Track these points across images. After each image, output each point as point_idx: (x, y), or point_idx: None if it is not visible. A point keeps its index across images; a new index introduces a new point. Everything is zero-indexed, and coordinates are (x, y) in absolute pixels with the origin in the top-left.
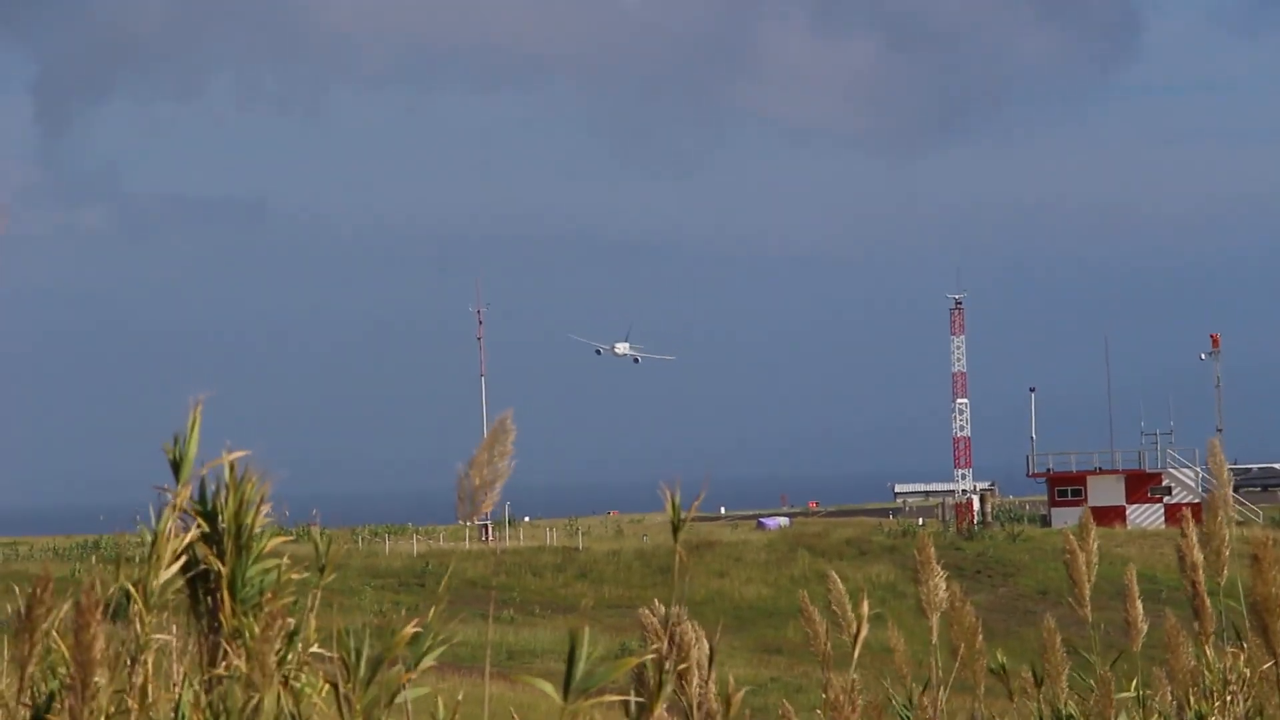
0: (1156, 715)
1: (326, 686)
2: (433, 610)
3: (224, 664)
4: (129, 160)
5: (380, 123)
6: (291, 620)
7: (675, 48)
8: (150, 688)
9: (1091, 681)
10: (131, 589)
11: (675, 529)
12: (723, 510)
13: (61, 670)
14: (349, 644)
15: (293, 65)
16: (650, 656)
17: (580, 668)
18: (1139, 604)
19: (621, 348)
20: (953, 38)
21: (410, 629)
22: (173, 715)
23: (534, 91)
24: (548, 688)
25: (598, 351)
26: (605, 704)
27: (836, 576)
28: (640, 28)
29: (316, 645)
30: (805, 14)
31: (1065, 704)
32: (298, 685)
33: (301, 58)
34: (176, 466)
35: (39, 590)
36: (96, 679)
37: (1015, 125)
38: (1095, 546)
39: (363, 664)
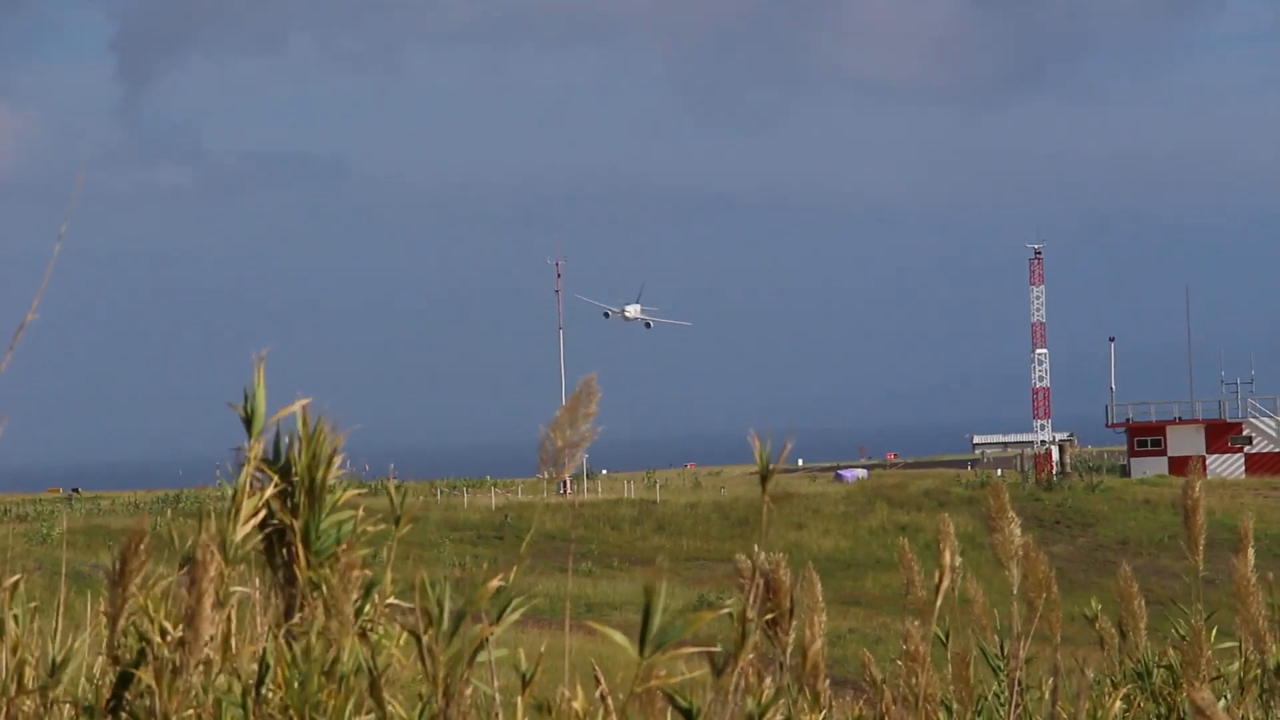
0: (1244, 661)
1: (404, 637)
2: (514, 568)
3: (300, 616)
4: (209, 118)
5: (457, 80)
6: (368, 572)
7: (753, 3)
8: (233, 640)
9: (1177, 631)
10: (210, 542)
11: (764, 479)
12: (800, 462)
13: (146, 625)
14: (432, 596)
15: (370, 23)
16: (726, 610)
17: (656, 622)
18: (1250, 553)
19: (632, 310)
20: None
21: (494, 584)
22: (255, 667)
23: (610, 47)
24: (622, 639)
25: (606, 315)
26: (694, 654)
27: (948, 519)
28: None
29: (394, 597)
30: None
31: (1151, 654)
32: (375, 637)
33: (379, 15)
34: (249, 423)
35: (134, 543)
36: (205, 633)
37: (1095, 77)
38: (1199, 493)
39: (446, 617)
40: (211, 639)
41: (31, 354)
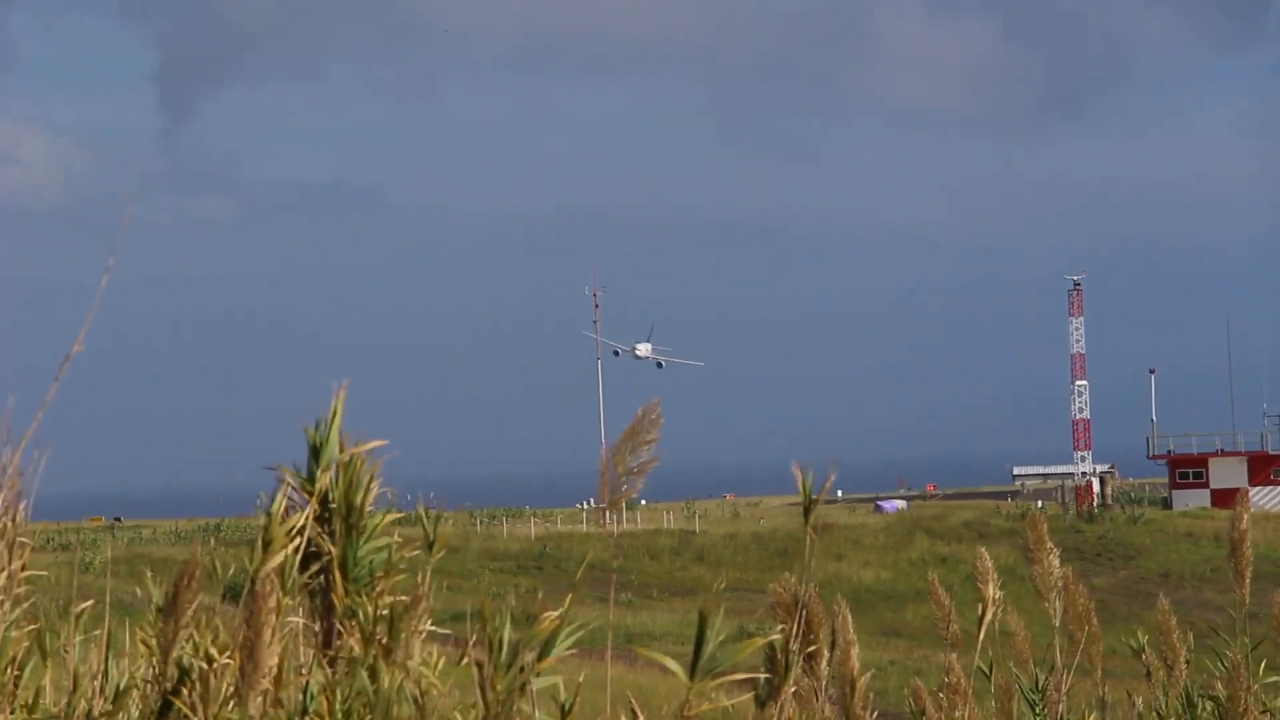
0: None
1: (440, 664)
2: (569, 598)
3: (338, 644)
4: (248, 148)
5: (494, 108)
6: (405, 599)
7: (790, 32)
8: (278, 669)
9: (1221, 664)
10: (253, 570)
11: (806, 510)
12: (840, 493)
13: (191, 654)
14: (495, 626)
15: (408, 52)
16: (775, 637)
17: (710, 647)
18: None
19: (643, 349)
20: (1070, 20)
21: (552, 619)
22: (300, 697)
23: (647, 76)
24: (673, 665)
25: (615, 353)
26: (729, 683)
27: (984, 553)
28: (754, 12)
29: (431, 624)
30: None
31: (1195, 687)
32: (413, 665)
33: (417, 45)
34: (316, 452)
35: (187, 576)
36: (260, 663)
37: (1133, 108)
38: (1247, 525)
39: (504, 648)
40: (270, 669)
41: (73, 382)
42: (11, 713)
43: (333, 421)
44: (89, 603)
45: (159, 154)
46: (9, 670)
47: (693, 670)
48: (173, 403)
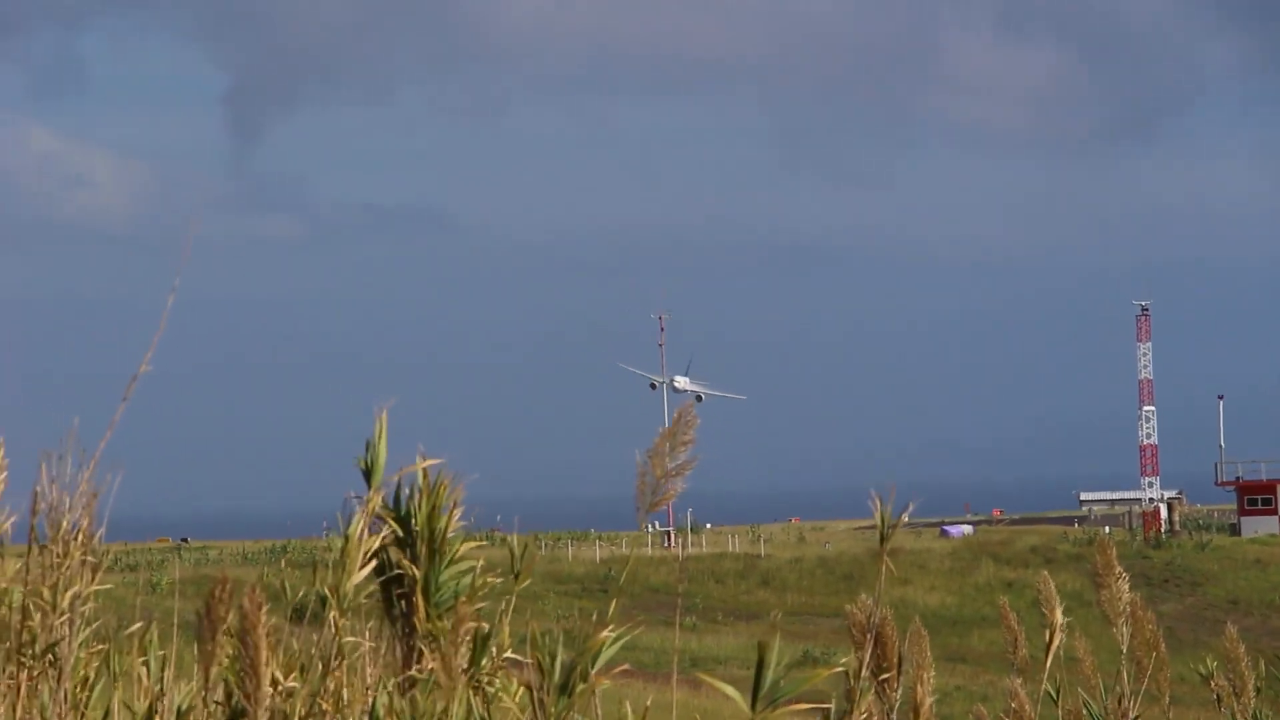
0: None
1: (521, 691)
2: (612, 606)
3: (418, 667)
4: (316, 169)
5: (559, 130)
6: (485, 624)
7: (856, 54)
8: (345, 691)
9: None
10: (326, 592)
11: (883, 538)
12: (905, 518)
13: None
14: (545, 648)
15: (475, 74)
16: (844, 664)
17: (769, 676)
18: None
19: (682, 382)
20: (1139, 43)
21: (604, 635)
22: (366, 718)
23: (711, 98)
24: (733, 693)
25: (652, 386)
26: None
27: (1048, 577)
28: (821, 34)
29: (510, 650)
30: (989, 19)
31: (1262, 715)
32: (491, 690)
33: (483, 66)
34: (368, 474)
35: (219, 590)
36: (268, 683)
37: (1203, 130)
38: None
39: (557, 668)
40: (324, 690)
41: (142, 402)
42: None
43: (379, 443)
44: (138, 624)
45: (228, 175)
46: (79, 690)
47: (754, 701)
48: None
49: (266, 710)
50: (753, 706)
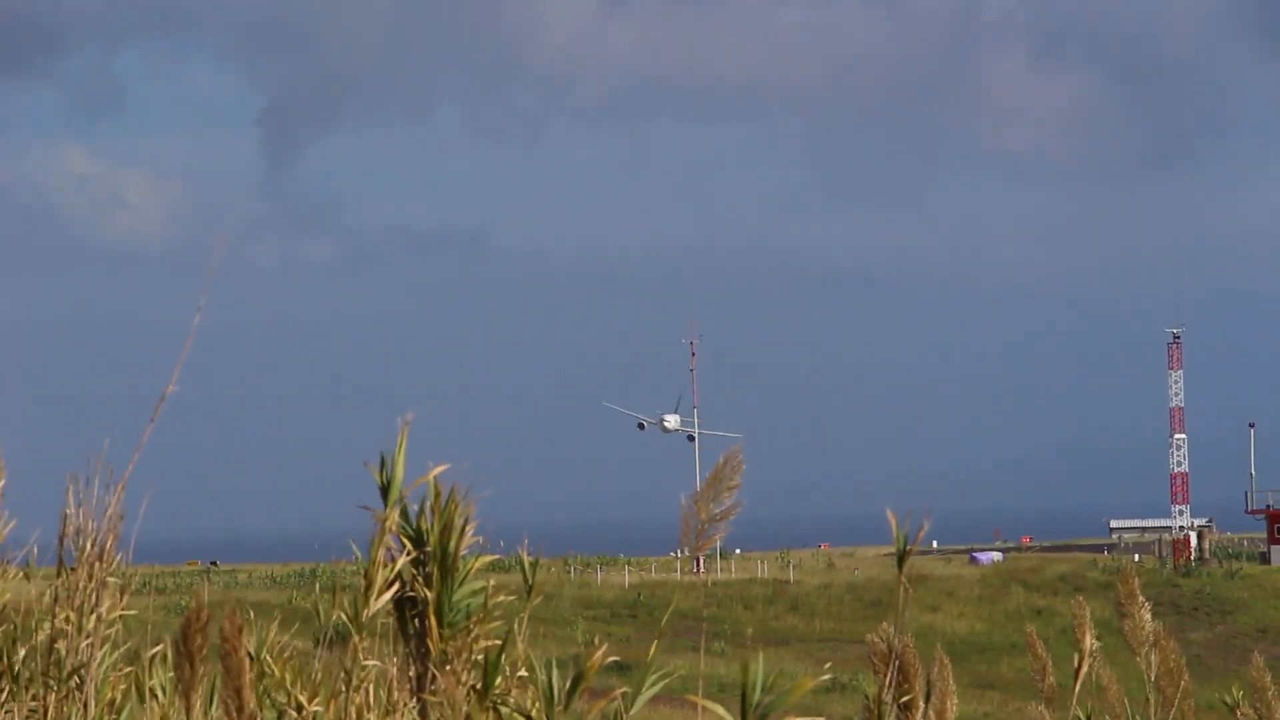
0: None
1: (536, 710)
2: (654, 645)
3: (432, 689)
4: (352, 191)
5: (596, 154)
6: (500, 644)
7: (895, 80)
8: (368, 714)
9: None
10: (344, 616)
11: (900, 558)
12: (935, 544)
13: (280, 698)
14: (542, 672)
15: (513, 97)
16: (825, 678)
17: (755, 695)
18: None
19: (672, 421)
20: (1176, 71)
21: (600, 655)
22: None
23: (750, 122)
24: (722, 711)
25: (641, 426)
26: None
27: (1083, 602)
28: (857, 59)
29: (525, 671)
30: (1025, 46)
31: None
32: (506, 711)
33: (521, 89)
34: (385, 490)
35: (192, 619)
36: (251, 705)
37: (1238, 158)
38: None
39: (556, 692)
40: (345, 714)
41: (173, 424)
42: None
43: (398, 457)
44: (159, 646)
45: (263, 197)
46: (105, 712)
47: (743, 716)
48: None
49: None
50: None
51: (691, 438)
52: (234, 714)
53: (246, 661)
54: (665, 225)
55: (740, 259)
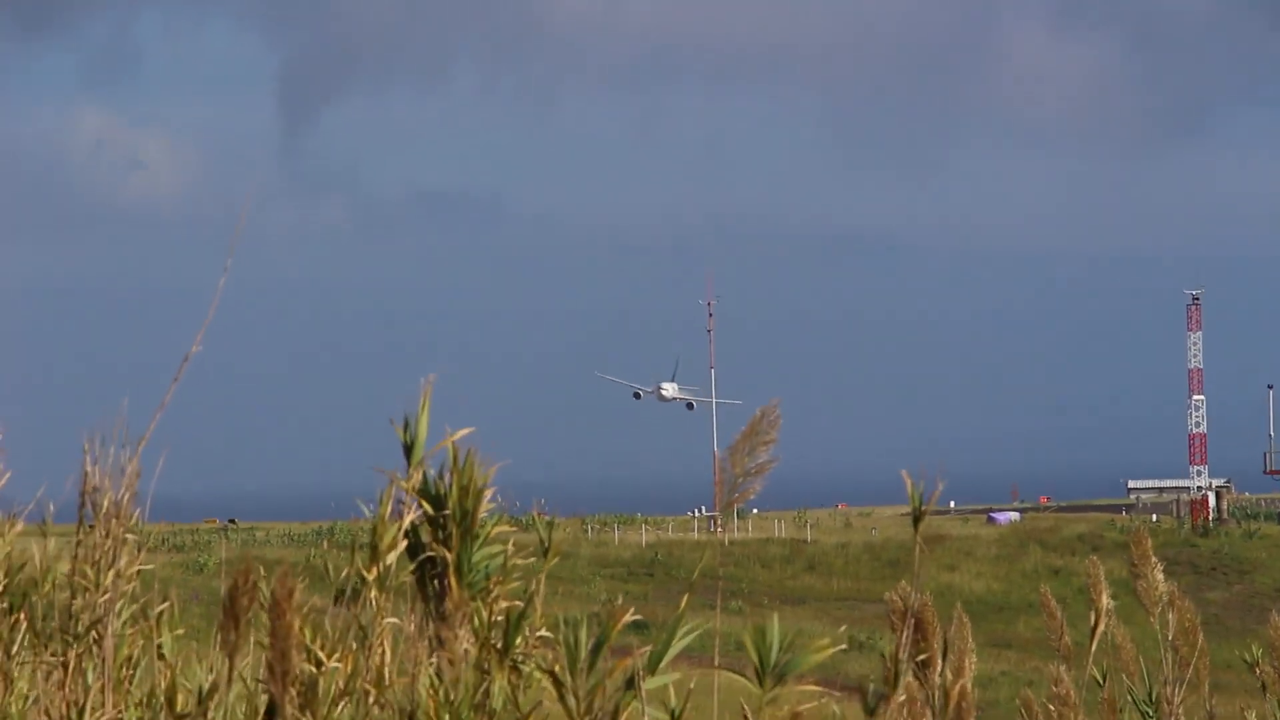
0: None
1: (561, 669)
2: (685, 599)
3: (453, 648)
4: (367, 155)
5: (611, 118)
6: (519, 604)
7: (912, 45)
8: (387, 672)
9: None
10: (363, 572)
11: (915, 519)
12: (952, 504)
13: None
14: (568, 631)
15: (529, 60)
16: (836, 648)
17: (774, 654)
18: None
19: (669, 389)
20: (1196, 36)
21: (624, 614)
22: (409, 699)
23: (765, 88)
24: (738, 676)
25: (636, 395)
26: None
27: (1097, 561)
28: (874, 24)
29: (545, 630)
30: (1045, 13)
31: None
32: (526, 669)
33: (538, 53)
34: (409, 449)
35: (240, 581)
36: (297, 665)
37: (1258, 123)
38: None
39: (582, 650)
40: (365, 671)
41: (192, 385)
42: (126, 710)
43: (421, 417)
44: (165, 604)
45: (279, 160)
46: (124, 668)
47: (760, 677)
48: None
49: (295, 697)
50: (760, 683)
51: (690, 406)
52: (280, 676)
53: (295, 624)
54: (681, 190)
55: (757, 224)
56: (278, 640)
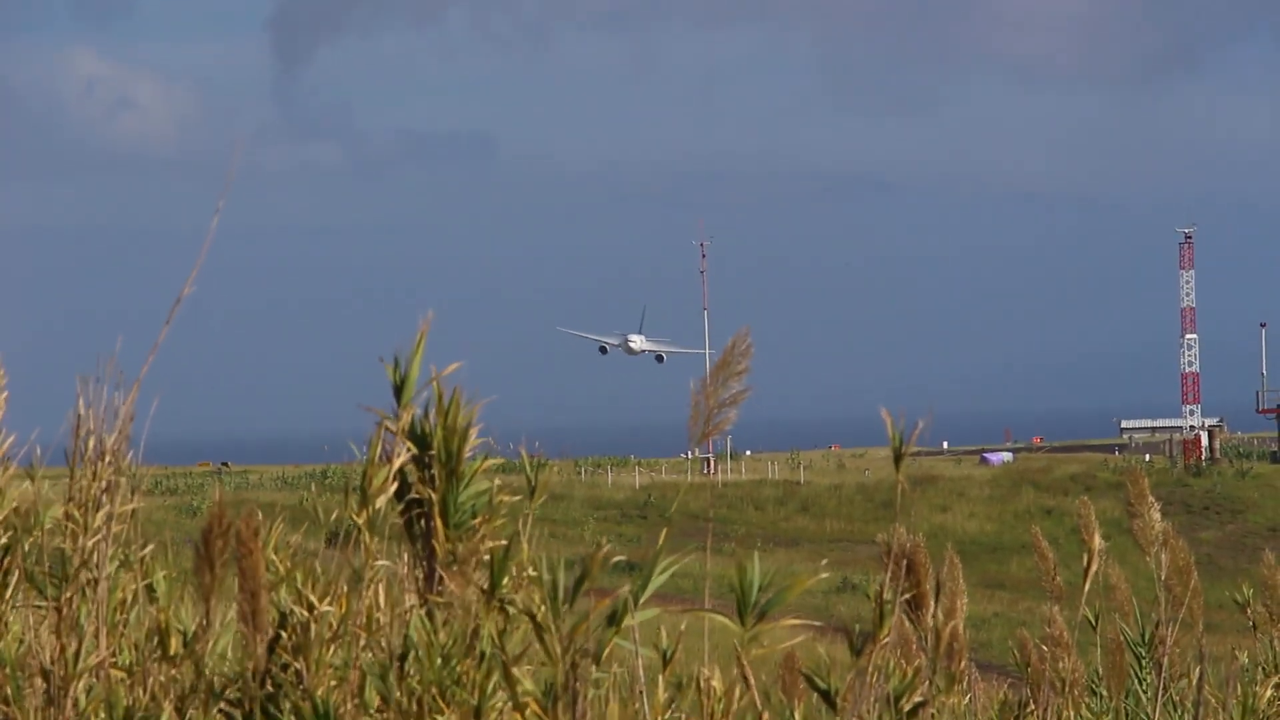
0: None
1: (544, 611)
2: (663, 534)
3: (439, 589)
4: (360, 96)
5: (605, 59)
6: (505, 544)
7: None
8: (377, 614)
9: None
10: (354, 515)
11: (897, 459)
12: (945, 445)
13: (293, 601)
14: (544, 570)
15: (520, 2)
16: (815, 580)
17: (754, 593)
18: None
19: (637, 341)
20: None
21: (604, 553)
22: (401, 640)
23: (760, 28)
24: (721, 618)
25: (603, 349)
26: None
27: (1088, 502)
28: None
29: (533, 570)
30: None
31: None
32: (513, 611)
33: None
34: (399, 390)
35: (214, 523)
36: (267, 606)
37: (1249, 62)
38: None
39: (561, 590)
40: (355, 614)
41: (185, 327)
42: (120, 653)
43: (415, 355)
44: (149, 547)
45: (272, 101)
46: (118, 611)
47: (742, 615)
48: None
49: (265, 634)
50: (742, 621)
51: (660, 358)
52: (250, 618)
53: (263, 565)
54: (673, 132)
55: (749, 164)
56: (246, 581)
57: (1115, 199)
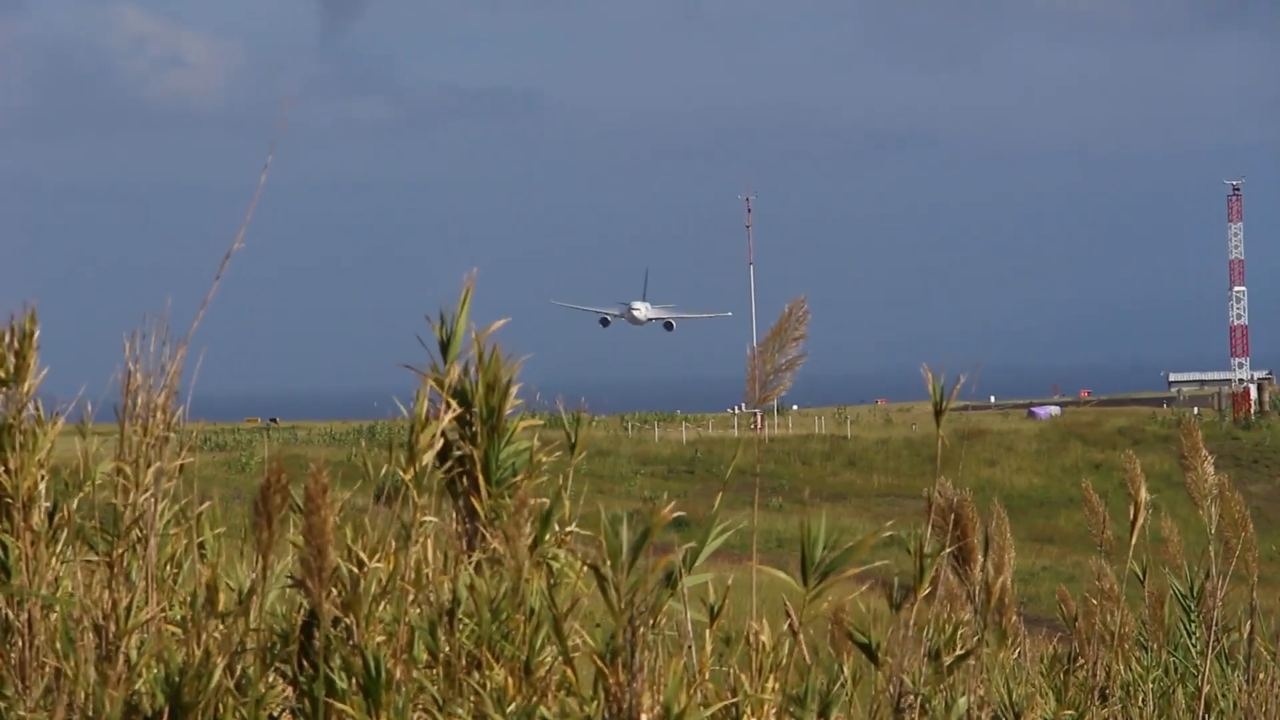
0: None
1: (585, 568)
2: (719, 497)
3: (482, 546)
4: (407, 51)
5: (648, 13)
6: (546, 501)
7: None
8: (426, 570)
9: None
10: (401, 473)
11: (937, 413)
12: (993, 399)
13: (343, 557)
14: (609, 528)
15: None
16: (878, 535)
17: (818, 551)
18: None
19: (642, 309)
20: None
21: (669, 510)
22: (449, 597)
23: None
24: (783, 575)
25: (604, 321)
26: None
27: (1133, 455)
28: None
29: (582, 528)
30: None
31: None
32: (556, 566)
33: None
34: (444, 346)
35: (273, 479)
36: (333, 563)
37: None
38: None
39: (625, 548)
40: (405, 569)
41: (234, 283)
42: (170, 608)
43: (461, 313)
44: (207, 504)
45: (320, 57)
46: (168, 566)
47: (805, 575)
48: (331, 304)
49: (333, 595)
50: (804, 581)
51: (669, 326)
52: (316, 574)
53: (331, 521)
54: (716, 85)
55: (794, 117)
56: (313, 537)
57: (1164, 151)
